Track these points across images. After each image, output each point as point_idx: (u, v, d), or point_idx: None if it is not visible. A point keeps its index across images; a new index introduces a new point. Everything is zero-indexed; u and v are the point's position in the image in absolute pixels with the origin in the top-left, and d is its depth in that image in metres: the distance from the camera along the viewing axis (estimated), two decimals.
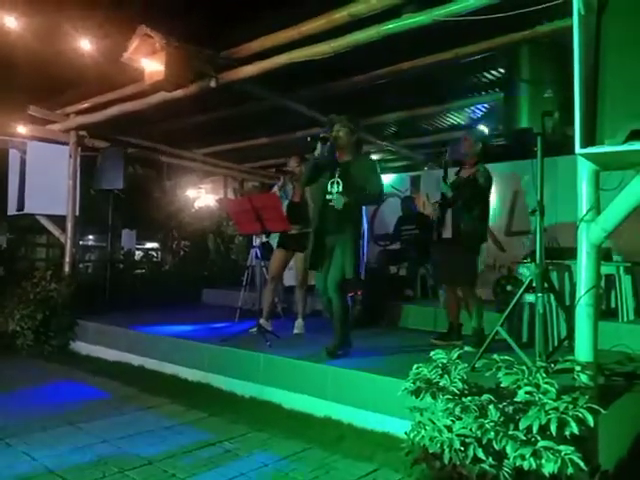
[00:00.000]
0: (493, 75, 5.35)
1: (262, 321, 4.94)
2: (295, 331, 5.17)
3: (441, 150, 4.61)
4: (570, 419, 2.19)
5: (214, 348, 4.53)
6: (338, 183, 4.04)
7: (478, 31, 4.05)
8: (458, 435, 2.33)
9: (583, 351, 2.70)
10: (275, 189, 5.67)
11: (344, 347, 4.03)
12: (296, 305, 5.37)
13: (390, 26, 3.85)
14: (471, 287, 4.38)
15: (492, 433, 2.26)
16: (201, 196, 12.16)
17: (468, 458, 2.28)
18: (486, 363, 2.69)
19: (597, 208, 2.68)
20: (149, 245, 14.15)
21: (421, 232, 6.96)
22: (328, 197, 4.05)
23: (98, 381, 4.66)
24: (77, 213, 6.90)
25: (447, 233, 4.39)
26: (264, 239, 5.60)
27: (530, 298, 3.64)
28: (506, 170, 7.09)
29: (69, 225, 6.86)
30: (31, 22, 4.53)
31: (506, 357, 2.66)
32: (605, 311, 4.86)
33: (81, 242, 7.43)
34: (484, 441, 2.27)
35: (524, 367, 2.54)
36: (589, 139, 2.32)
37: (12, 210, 6.87)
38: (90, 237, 12.30)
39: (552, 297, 3.62)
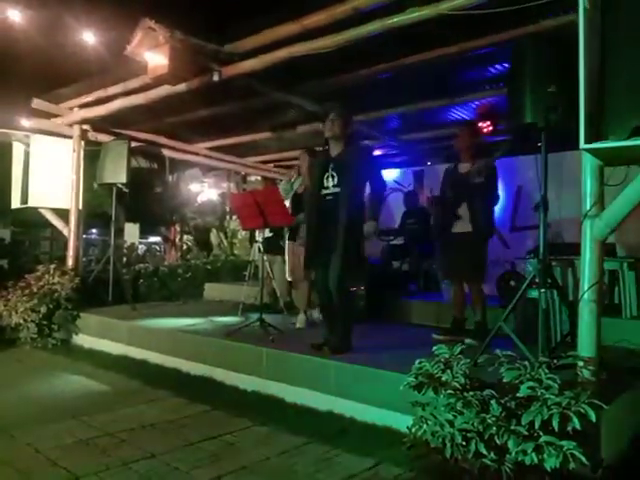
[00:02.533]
0: (497, 69, 5.33)
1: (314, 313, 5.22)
2: (297, 325, 5.18)
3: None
4: (572, 414, 2.19)
5: (217, 342, 4.54)
6: (333, 177, 3.98)
7: (483, 25, 4.03)
8: (460, 430, 2.34)
9: (586, 346, 2.70)
10: (283, 183, 5.71)
11: (347, 342, 4.04)
12: (299, 299, 5.38)
13: (394, 20, 3.83)
14: (480, 282, 4.37)
15: (494, 428, 2.27)
16: (204, 190, 12.18)
17: (470, 453, 2.29)
18: (488, 358, 2.70)
19: (601, 203, 2.68)
20: (152, 239, 14.21)
21: (423, 226, 6.95)
22: (324, 192, 4.01)
23: (101, 374, 4.67)
24: (80, 207, 6.92)
25: (456, 228, 4.38)
26: (268, 234, 5.61)
27: (533, 293, 3.63)
28: (510, 165, 7.07)
29: (72, 219, 6.88)
30: (35, 15, 4.53)
31: (508, 352, 2.66)
32: (608, 307, 4.85)
33: (84, 236, 7.43)
34: (486, 436, 2.28)
35: (526, 362, 2.54)
36: (594, 134, 2.31)
37: (16, 203, 6.90)
38: (93, 231, 12.35)
39: (555, 293, 3.61)
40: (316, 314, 5.25)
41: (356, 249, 3.93)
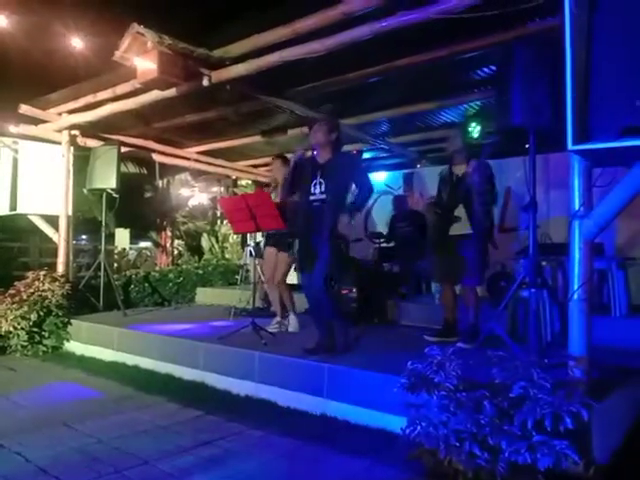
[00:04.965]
0: (486, 72, 5.37)
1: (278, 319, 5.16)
2: (290, 329, 5.16)
3: None
4: (564, 413, 2.21)
5: (209, 347, 4.52)
6: (320, 184, 4.05)
7: (471, 28, 4.06)
8: (454, 431, 2.35)
9: (577, 346, 2.73)
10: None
11: (333, 344, 4.06)
12: (284, 303, 5.34)
13: (383, 24, 3.86)
14: (476, 284, 4.39)
15: (487, 428, 2.28)
16: (195, 194, 12.13)
17: (464, 453, 2.30)
18: (481, 359, 2.71)
19: (590, 204, 2.71)
20: (143, 244, 14.12)
21: (414, 229, 6.98)
22: (311, 197, 4.08)
23: (93, 381, 4.64)
24: (70, 213, 6.88)
25: (454, 230, 4.40)
26: (259, 238, 5.61)
27: (524, 294, 3.67)
28: (498, 167, 7.11)
29: (62, 225, 6.84)
30: (22, 20, 4.51)
31: (500, 353, 2.67)
32: (598, 306, 4.89)
33: (74, 242, 7.37)
34: (479, 436, 2.29)
35: (518, 362, 2.56)
36: (581, 135, 2.34)
37: (4, 210, 6.84)
38: (83, 237, 12.25)
39: (545, 293, 3.64)
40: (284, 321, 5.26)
41: (340, 253, 3.99)
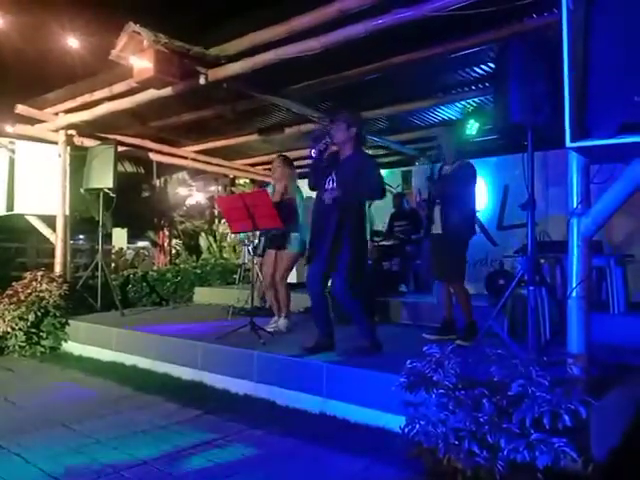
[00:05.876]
0: (483, 70, 5.36)
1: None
2: (280, 328, 5.13)
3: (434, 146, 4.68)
4: (563, 411, 2.21)
5: (207, 346, 4.51)
6: (334, 180, 4.02)
7: (468, 26, 4.06)
8: (452, 429, 2.34)
9: (575, 343, 2.72)
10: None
11: (327, 344, 4.06)
12: (279, 303, 5.31)
13: (379, 21, 3.85)
14: (458, 282, 4.39)
15: (486, 427, 2.27)
16: (192, 194, 12.13)
17: (463, 452, 2.29)
18: (479, 357, 2.70)
19: (588, 201, 2.71)
20: (140, 244, 14.11)
21: (413, 227, 6.98)
22: (325, 195, 4.05)
23: (91, 381, 4.63)
24: (67, 213, 6.86)
25: (436, 229, 4.42)
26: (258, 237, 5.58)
27: (522, 291, 3.66)
28: (497, 164, 7.13)
29: (59, 225, 6.82)
30: (17, 20, 4.49)
31: (499, 351, 2.67)
32: (596, 303, 4.89)
33: (72, 242, 7.36)
34: (478, 435, 2.28)
35: (517, 360, 2.55)
36: (579, 132, 2.33)
37: (1, 210, 6.82)
38: (81, 237, 12.23)
39: (544, 290, 3.64)
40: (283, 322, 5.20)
41: (363, 257, 3.97)
